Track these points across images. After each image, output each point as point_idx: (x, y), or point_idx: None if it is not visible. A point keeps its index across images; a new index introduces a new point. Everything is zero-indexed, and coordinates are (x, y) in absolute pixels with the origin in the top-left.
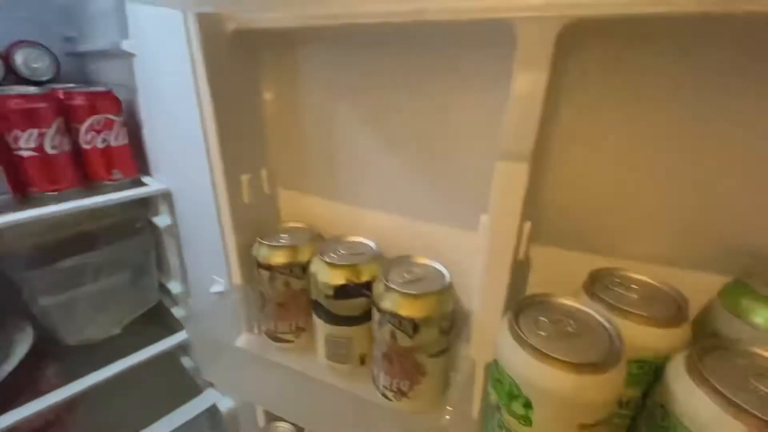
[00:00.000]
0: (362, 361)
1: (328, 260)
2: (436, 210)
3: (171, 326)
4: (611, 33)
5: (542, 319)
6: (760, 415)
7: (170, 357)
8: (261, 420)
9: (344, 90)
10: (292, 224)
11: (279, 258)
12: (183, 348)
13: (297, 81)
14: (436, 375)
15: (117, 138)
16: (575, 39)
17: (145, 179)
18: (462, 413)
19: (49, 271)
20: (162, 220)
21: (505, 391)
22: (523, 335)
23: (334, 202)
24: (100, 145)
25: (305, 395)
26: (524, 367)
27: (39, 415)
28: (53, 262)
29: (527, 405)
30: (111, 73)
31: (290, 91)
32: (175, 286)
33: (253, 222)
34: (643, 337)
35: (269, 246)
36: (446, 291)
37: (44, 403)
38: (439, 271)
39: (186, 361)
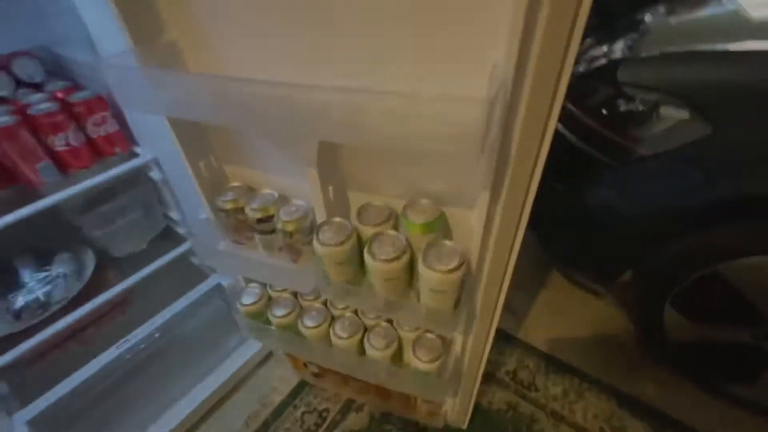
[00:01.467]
0: (280, 249)
1: (252, 206)
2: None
3: (179, 240)
4: None
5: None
6: None
7: (185, 261)
8: (242, 283)
9: None
10: (234, 183)
11: (229, 205)
12: (191, 253)
13: None
14: (309, 253)
15: (112, 126)
16: None
17: (136, 150)
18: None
19: (95, 215)
20: (155, 176)
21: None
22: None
23: (253, 170)
24: (102, 134)
25: (257, 266)
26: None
27: (111, 299)
28: (96, 208)
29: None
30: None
31: None
32: (174, 215)
33: (212, 183)
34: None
35: (222, 200)
36: (306, 216)
37: (112, 292)
38: (302, 205)
39: (195, 261)
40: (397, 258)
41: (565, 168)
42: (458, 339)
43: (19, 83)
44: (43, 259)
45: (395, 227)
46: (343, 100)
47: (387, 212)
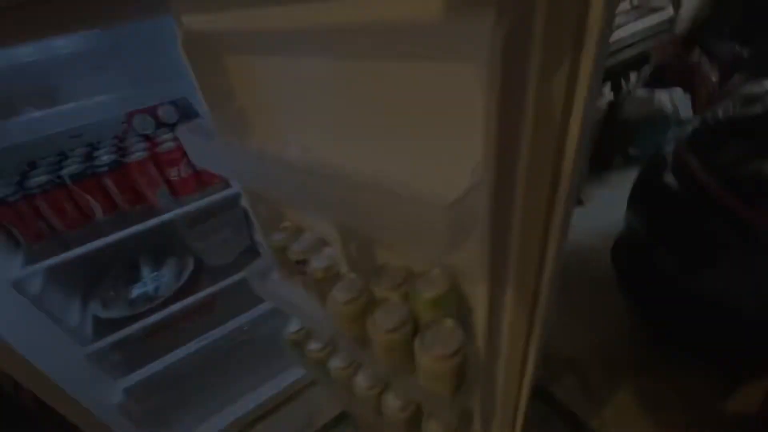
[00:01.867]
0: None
1: (295, 247)
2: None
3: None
4: None
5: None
6: None
7: None
8: None
9: None
10: (286, 223)
11: (277, 245)
12: None
13: None
14: None
15: None
16: None
17: (230, 181)
18: None
19: (197, 230)
20: (243, 202)
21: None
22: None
23: (301, 212)
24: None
25: (291, 303)
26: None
27: (201, 299)
28: (197, 225)
29: None
30: None
31: None
32: (257, 235)
33: (269, 222)
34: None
35: (272, 239)
36: (333, 266)
37: (203, 294)
38: (332, 253)
39: None
40: (395, 330)
41: (679, 239)
42: (477, 418)
43: (161, 124)
44: (158, 261)
45: (407, 294)
46: (338, 190)
47: (403, 275)
